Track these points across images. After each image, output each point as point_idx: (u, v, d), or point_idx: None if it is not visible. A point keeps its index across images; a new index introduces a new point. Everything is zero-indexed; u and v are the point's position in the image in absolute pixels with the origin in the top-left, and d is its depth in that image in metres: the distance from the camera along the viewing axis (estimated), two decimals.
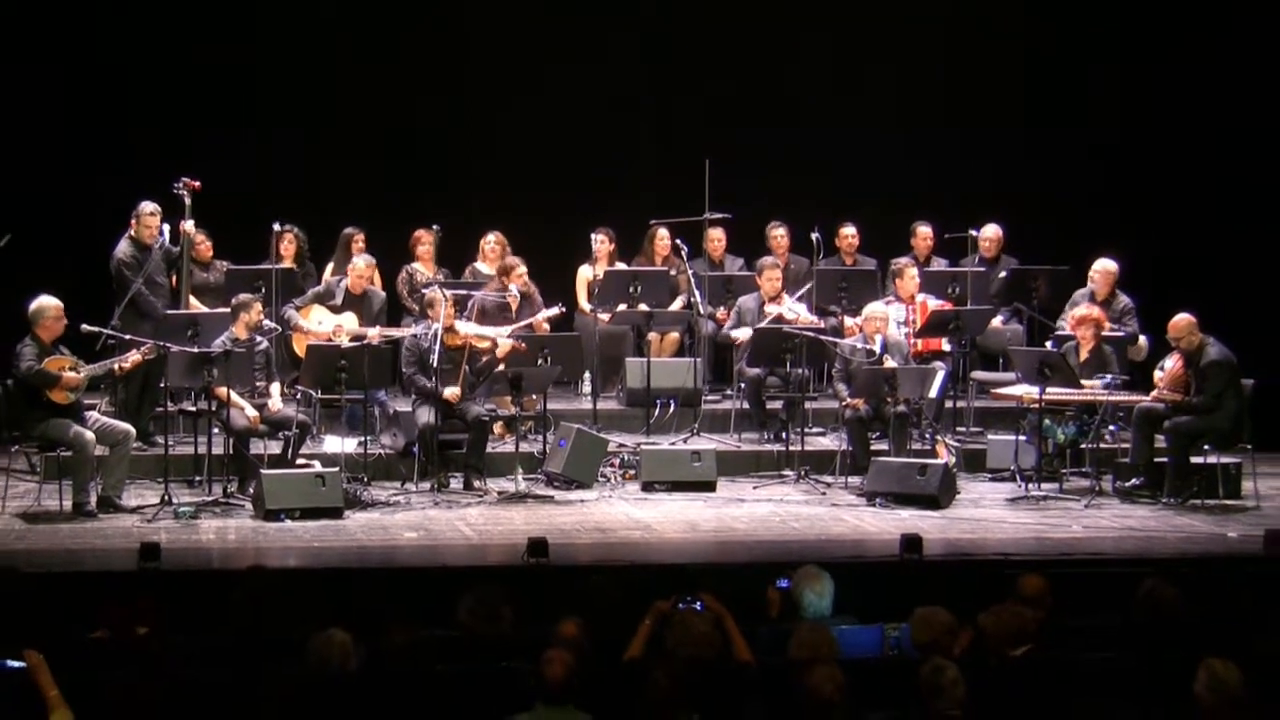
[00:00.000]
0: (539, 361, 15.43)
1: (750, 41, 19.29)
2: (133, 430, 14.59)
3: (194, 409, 15.08)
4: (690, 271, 17.41)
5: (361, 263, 16.49)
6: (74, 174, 17.63)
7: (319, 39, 18.60)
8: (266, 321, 15.42)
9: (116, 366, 14.35)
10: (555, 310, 16.45)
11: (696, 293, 17.28)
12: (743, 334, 16.58)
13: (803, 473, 15.71)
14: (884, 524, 14.09)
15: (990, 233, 17.65)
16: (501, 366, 15.34)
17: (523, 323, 16.01)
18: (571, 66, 18.96)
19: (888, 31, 19.30)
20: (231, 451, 14.81)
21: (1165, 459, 15.01)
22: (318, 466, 14.65)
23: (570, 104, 18.87)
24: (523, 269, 16.60)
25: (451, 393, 15.06)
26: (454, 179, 18.66)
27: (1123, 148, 19.16)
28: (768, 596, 10.51)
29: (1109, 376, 15.13)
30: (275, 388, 15.09)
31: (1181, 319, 14.89)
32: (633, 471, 15.70)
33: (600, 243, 17.59)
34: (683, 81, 19.26)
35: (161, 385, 15.06)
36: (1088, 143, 19.12)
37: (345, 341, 15.58)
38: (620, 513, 14.65)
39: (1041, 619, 9.68)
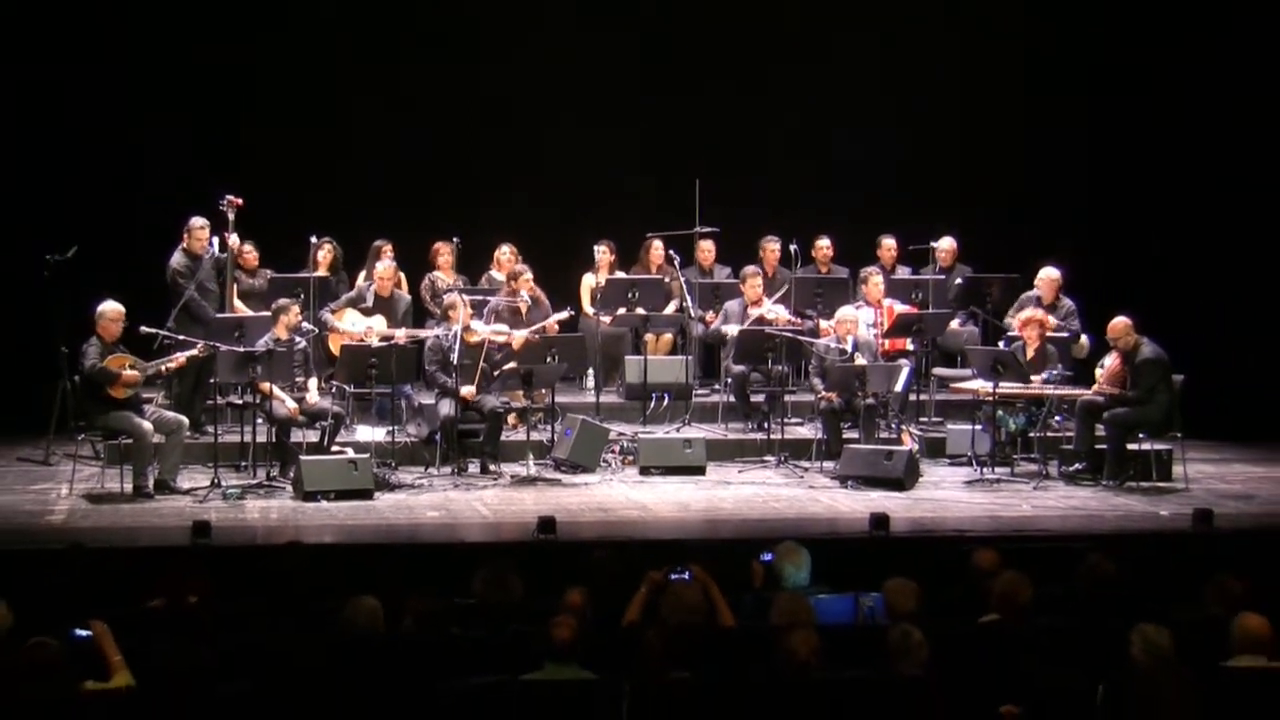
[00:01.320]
0: (548, 359, 15.45)
1: (735, 71, 19.30)
2: (186, 420, 14.63)
3: (240, 401, 15.10)
4: (682, 279, 17.40)
5: (382, 268, 16.47)
6: (133, 190, 17.63)
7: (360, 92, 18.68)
8: (305, 324, 15.43)
9: (164, 368, 14.40)
10: (565, 314, 16.45)
11: (688, 298, 17.28)
12: (731, 329, 16.58)
13: (782, 458, 15.71)
14: (855, 504, 14.10)
15: (946, 244, 17.67)
16: (514, 363, 15.37)
17: (535, 326, 15.99)
18: (578, 96, 18.96)
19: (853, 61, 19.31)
20: (274, 439, 14.82)
21: (1105, 446, 15.03)
22: (351, 453, 14.64)
23: (575, 130, 18.85)
24: (529, 275, 16.58)
25: (467, 391, 15.07)
26: (472, 195, 18.63)
27: (1071, 163, 19.18)
28: (752, 568, 10.49)
29: (1055, 371, 15.16)
30: (313, 383, 15.08)
31: (1119, 321, 14.93)
32: (631, 457, 15.69)
33: (602, 253, 17.58)
34: (676, 111, 19.24)
35: (212, 380, 15.07)
36: (1040, 156, 19.14)
37: (375, 341, 15.57)
38: (620, 494, 14.65)
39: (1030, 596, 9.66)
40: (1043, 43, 19.35)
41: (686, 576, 9.69)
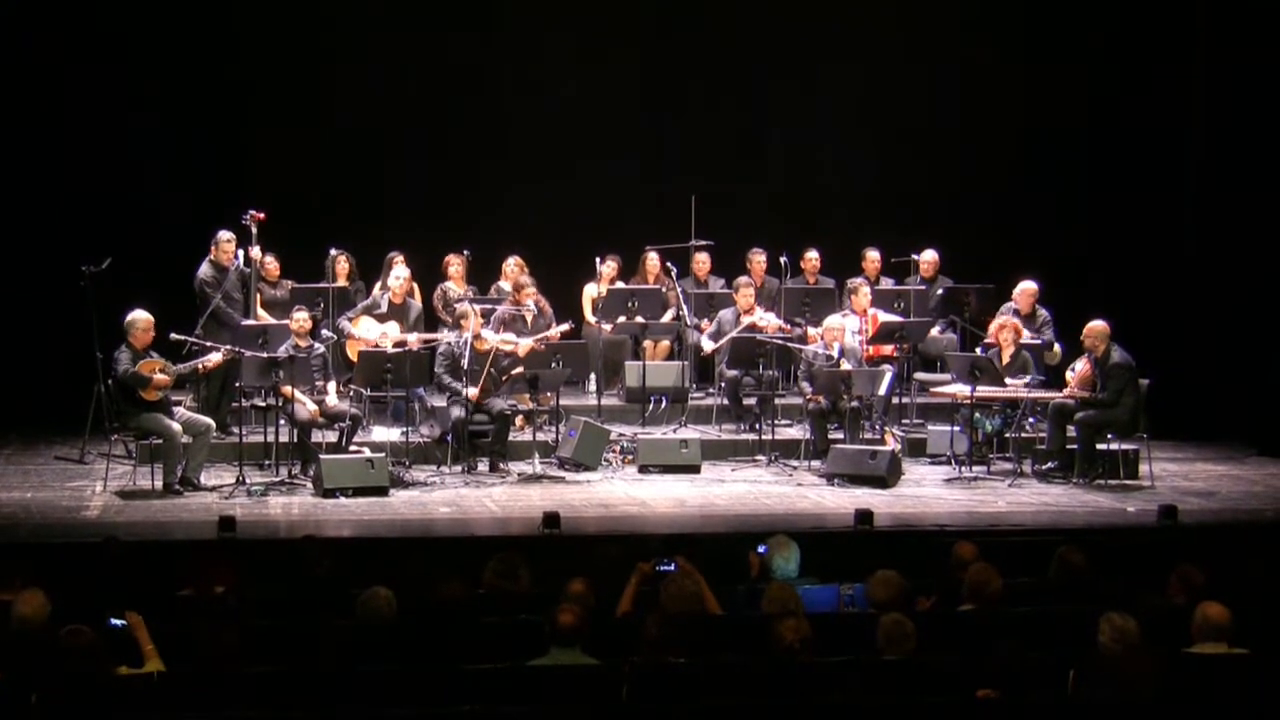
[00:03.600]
0: (552, 365, 15.46)
1: (729, 93, 19.32)
2: (213, 422, 14.65)
3: (264, 404, 15.10)
4: (679, 290, 17.42)
5: (397, 278, 16.48)
6: (162, 204, 17.64)
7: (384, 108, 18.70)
8: (325, 330, 15.46)
9: (200, 366, 14.47)
10: (566, 326, 16.46)
11: (684, 307, 17.29)
12: (709, 345, 16.65)
13: (773, 457, 15.73)
14: (841, 500, 14.12)
15: (928, 257, 17.67)
16: (520, 369, 15.38)
17: (539, 336, 16.00)
18: (582, 119, 18.97)
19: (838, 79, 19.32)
20: (295, 440, 14.85)
21: (1075, 446, 15.04)
22: (367, 452, 14.65)
23: (578, 150, 18.84)
24: (532, 287, 16.53)
25: (471, 393, 15.07)
26: (482, 211, 18.65)
27: (1046, 177, 19.21)
28: (749, 560, 10.49)
29: (1030, 376, 15.20)
30: (332, 386, 15.10)
31: (1097, 325, 14.94)
32: (631, 456, 15.70)
33: (608, 267, 17.58)
34: (672, 131, 19.26)
35: (237, 384, 15.07)
36: (1020, 173, 19.22)
37: (390, 347, 15.57)
38: (620, 491, 14.66)
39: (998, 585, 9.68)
40: (1021, 58, 19.38)
41: (672, 567, 9.72)
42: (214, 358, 14.46)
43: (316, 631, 8.84)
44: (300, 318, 15.04)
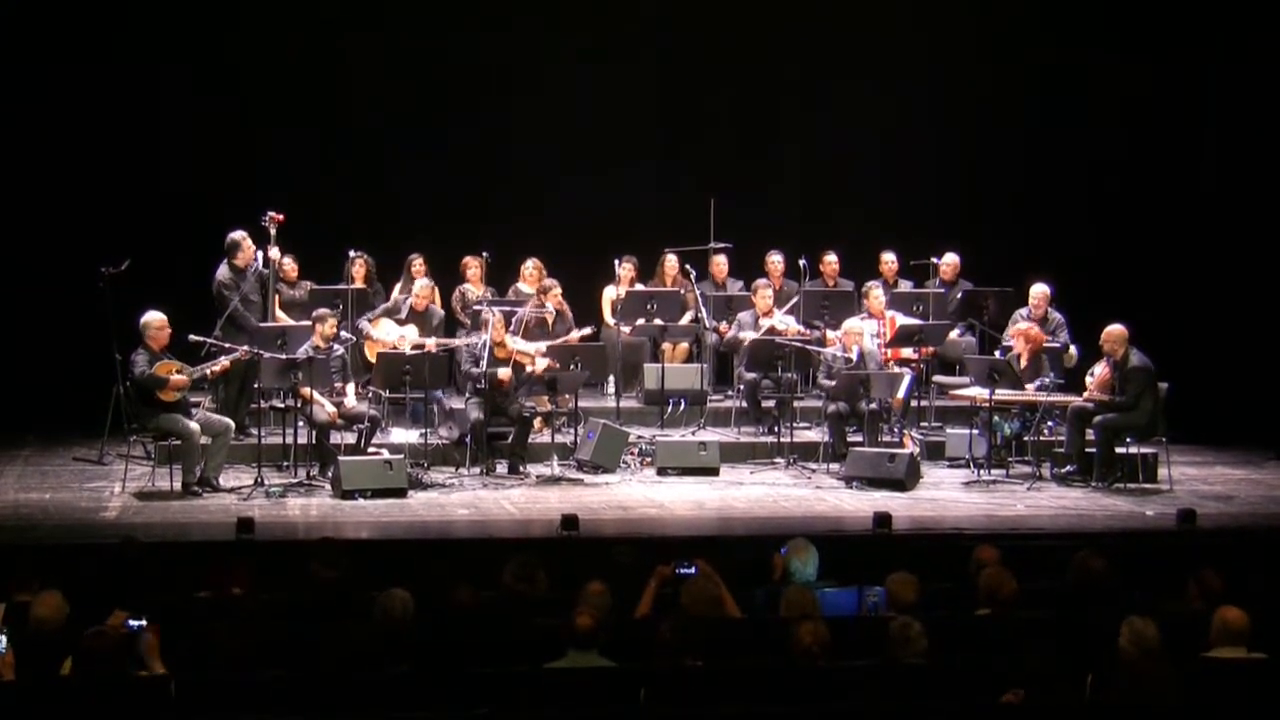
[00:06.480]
0: (571, 367, 15.46)
1: (746, 99, 19.33)
2: (231, 423, 14.65)
3: (282, 405, 15.10)
4: (697, 292, 17.42)
5: (420, 285, 16.50)
6: (180, 205, 17.65)
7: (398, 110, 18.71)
8: (344, 332, 15.48)
9: (209, 371, 14.44)
10: (587, 330, 16.49)
11: (703, 310, 17.30)
12: (747, 335, 16.62)
13: (791, 460, 15.71)
14: (859, 503, 14.09)
15: (949, 260, 17.64)
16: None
17: (559, 340, 16.02)
18: (601, 123, 18.95)
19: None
20: (314, 441, 14.85)
21: (1094, 450, 15.00)
22: (386, 454, 14.65)
23: (597, 153, 18.82)
24: (558, 290, 16.65)
25: (505, 373, 15.10)
26: (500, 213, 18.64)
27: (1064, 180, 19.20)
28: (772, 561, 10.45)
29: (1047, 379, 15.17)
30: (350, 388, 15.10)
31: (1115, 329, 14.93)
32: (649, 459, 15.68)
33: (625, 270, 17.56)
34: (691, 136, 19.25)
35: (255, 386, 15.07)
36: (1034, 175, 19.21)
37: (409, 350, 15.58)
38: (639, 493, 14.64)
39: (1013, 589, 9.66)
40: (1040, 61, 19.35)
41: (693, 570, 9.71)
42: (223, 361, 14.43)
43: (333, 634, 8.83)
44: (332, 320, 15.05)
